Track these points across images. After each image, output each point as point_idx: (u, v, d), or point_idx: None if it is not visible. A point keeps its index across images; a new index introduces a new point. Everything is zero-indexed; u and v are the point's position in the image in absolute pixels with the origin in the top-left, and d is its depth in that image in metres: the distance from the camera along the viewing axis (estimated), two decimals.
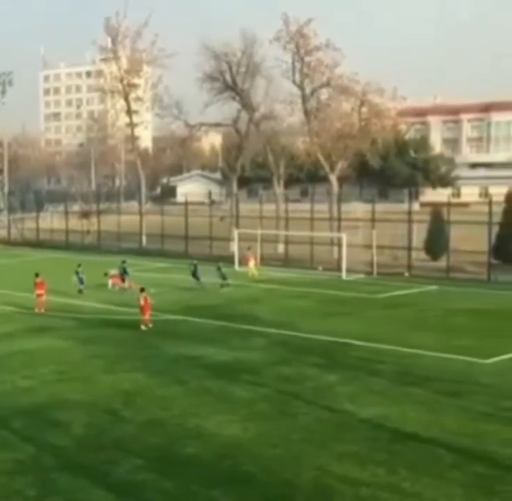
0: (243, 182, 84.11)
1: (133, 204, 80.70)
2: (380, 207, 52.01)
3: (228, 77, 59.91)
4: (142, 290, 30.62)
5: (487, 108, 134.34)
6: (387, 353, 25.17)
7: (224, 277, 40.22)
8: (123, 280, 40.40)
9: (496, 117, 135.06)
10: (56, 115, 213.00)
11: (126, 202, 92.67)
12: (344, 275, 44.33)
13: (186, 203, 59.17)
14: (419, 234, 48.25)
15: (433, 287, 40.24)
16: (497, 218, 44.87)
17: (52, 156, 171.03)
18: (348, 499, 13.88)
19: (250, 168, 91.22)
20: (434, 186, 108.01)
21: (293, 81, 56.44)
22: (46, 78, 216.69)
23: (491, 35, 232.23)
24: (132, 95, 67.30)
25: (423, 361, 24.12)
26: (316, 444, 16.62)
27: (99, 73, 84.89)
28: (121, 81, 65.72)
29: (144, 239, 62.43)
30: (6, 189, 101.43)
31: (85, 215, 71.71)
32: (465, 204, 77.53)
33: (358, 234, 48.28)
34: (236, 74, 59.70)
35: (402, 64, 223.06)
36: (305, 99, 56.36)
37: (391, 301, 36.69)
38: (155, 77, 66.99)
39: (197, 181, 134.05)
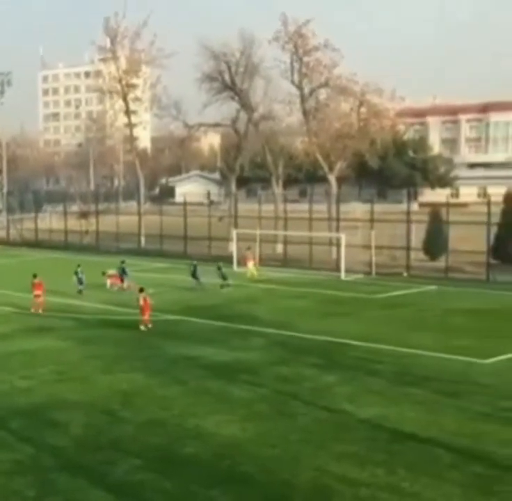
0: (242, 182, 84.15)
1: (132, 205, 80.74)
2: (379, 207, 51.99)
3: (227, 77, 59.92)
4: (141, 290, 30.64)
5: (485, 108, 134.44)
6: (386, 353, 25.18)
7: (224, 277, 40.20)
8: (122, 280, 40.40)
9: (494, 117, 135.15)
10: (55, 116, 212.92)
11: (124, 202, 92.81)
12: (342, 275, 44.34)
13: (185, 203, 59.17)
14: (418, 234, 48.27)
15: (432, 287, 40.25)
16: (496, 219, 44.91)
17: (51, 157, 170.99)
18: (347, 500, 13.89)
19: (248, 168, 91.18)
20: (433, 186, 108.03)
21: (292, 81, 56.47)
22: (45, 79, 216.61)
23: (491, 35, 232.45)
24: (131, 95, 67.22)
25: (422, 361, 24.13)
26: (314, 444, 16.63)
27: (98, 73, 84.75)
28: (120, 81, 65.68)
29: (143, 239, 62.42)
30: (5, 189, 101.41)
31: (83, 215, 71.68)
32: (464, 205, 77.58)
33: (357, 234, 48.29)
34: (235, 74, 59.70)
35: (402, 64, 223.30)
36: (303, 99, 56.35)
37: (390, 301, 36.70)
38: (154, 77, 66.95)
39: (196, 182, 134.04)
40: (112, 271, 41.53)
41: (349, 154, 57.92)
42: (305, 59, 55.89)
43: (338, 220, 50.60)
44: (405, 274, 44.93)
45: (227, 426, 17.92)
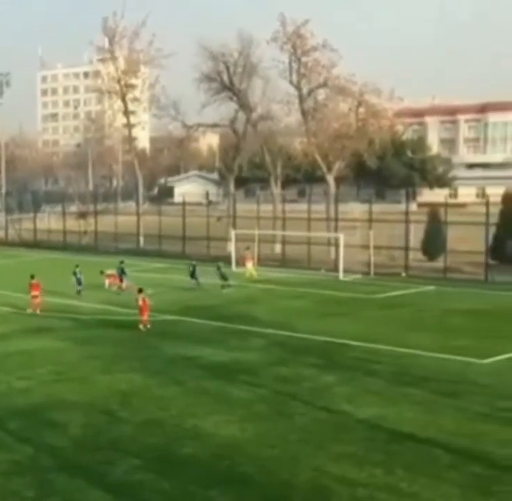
0: (241, 183, 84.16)
1: (131, 205, 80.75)
2: (378, 207, 52.02)
3: (225, 78, 59.94)
4: (140, 291, 30.64)
5: (484, 108, 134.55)
6: (385, 354, 25.19)
7: (224, 277, 40.11)
8: (121, 281, 40.38)
9: (493, 117, 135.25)
10: (54, 116, 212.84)
11: (123, 202, 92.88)
12: (341, 275, 44.36)
13: (184, 203, 59.18)
14: (416, 234, 48.29)
15: (430, 288, 40.26)
16: (494, 219, 44.95)
17: (49, 157, 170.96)
18: (346, 500, 13.89)
19: (247, 169, 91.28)
20: (431, 186, 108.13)
21: (290, 82, 56.51)
22: (44, 79, 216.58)
23: (491, 35, 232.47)
24: (129, 96, 67.22)
25: (420, 361, 24.14)
26: (313, 444, 16.63)
27: (97, 74, 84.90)
28: (118, 81, 65.69)
29: (141, 239, 62.41)
30: (3, 190, 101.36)
31: (82, 215, 71.69)
32: (462, 205, 77.60)
33: (355, 234, 48.32)
34: (234, 74, 59.73)
35: (402, 64, 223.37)
36: (302, 99, 56.38)
37: (388, 301, 36.71)
38: (152, 78, 66.94)
39: (195, 182, 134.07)
40: (111, 271, 41.52)
41: (347, 154, 57.96)
42: (304, 59, 55.94)
43: (336, 220, 50.62)
44: (403, 274, 44.95)
45: (225, 426, 17.92)
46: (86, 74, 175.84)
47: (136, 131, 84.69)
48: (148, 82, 67.40)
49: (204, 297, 37.93)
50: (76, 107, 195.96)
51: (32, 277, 35.04)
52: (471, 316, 31.80)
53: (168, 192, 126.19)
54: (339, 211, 51.54)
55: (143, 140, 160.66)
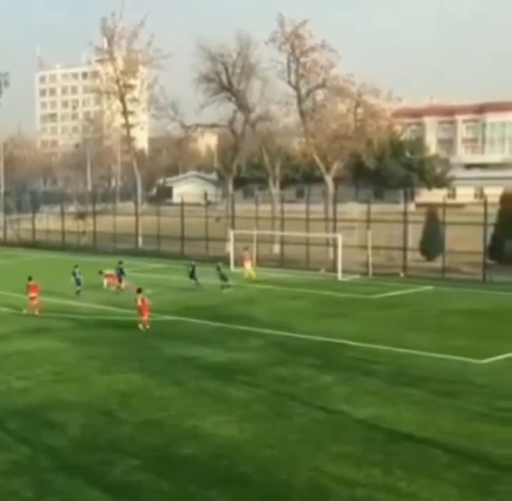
0: (239, 183, 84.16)
1: (129, 205, 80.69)
2: (376, 207, 52.03)
3: (224, 78, 59.97)
4: (139, 291, 30.66)
5: (482, 109, 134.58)
6: (383, 354, 25.22)
7: (224, 277, 40.06)
8: (120, 281, 40.38)
9: (491, 118, 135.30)
10: (52, 116, 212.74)
11: (122, 203, 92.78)
12: (339, 275, 44.39)
13: (182, 204, 59.19)
14: (415, 234, 48.32)
15: (429, 288, 40.30)
16: (492, 219, 45.00)
17: (48, 157, 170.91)
18: (344, 500, 13.92)
19: (245, 169, 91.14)
20: (429, 186, 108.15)
21: (289, 82, 56.54)
22: (42, 79, 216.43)
23: (491, 35, 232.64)
24: (128, 96, 67.27)
25: (418, 361, 24.17)
26: (311, 445, 16.66)
27: (95, 74, 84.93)
28: (117, 81, 65.73)
29: (140, 239, 62.41)
30: (2, 190, 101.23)
31: (81, 216, 71.68)
32: (460, 205, 77.56)
33: (354, 234, 48.35)
34: (232, 75, 59.75)
35: (402, 64, 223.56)
36: (300, 100, 56.41)
37: (386, 302, 36.74)
38: (151, 78, 67.04)
39: (193, 182, 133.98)
40: (109, 271, 41.53)
41: (346, 154, 58.00)
42: (302, 60, 55.98)
43: (335, 220, 50.67)
44: (401, 274, 44.99)
45: (224, 426, 17.94)
46: (85, 75, 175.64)
47: (134, 132, 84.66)
48: (147, 82, 67.53)
49: (203, 297, 37.95)
50: (74, 107, 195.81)
51: (29, 278, 34.99)
52: (469, 317, 31.83)
53: (166, 192, 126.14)
54: (337, 211, 51.59)
55: (142, 140, 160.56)
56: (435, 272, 44.42)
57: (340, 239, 45.71)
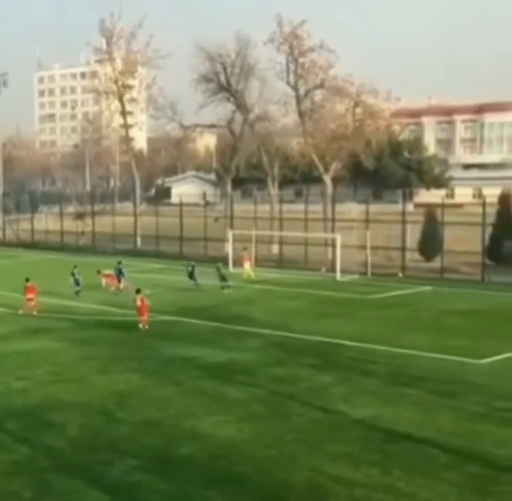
0: (238, 183, 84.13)
1: (128, 206, 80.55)
2: (374, 207, 52.11)
3: (222, 78, 60.00)
4: (138, 291, 30.69)
5: (480, 109, 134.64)
6: (381, 354, 25.24)
7: (224, 278, 39.98)
8: (119, 281, 40.37)
9: (489, 118, 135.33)
10: (51, 117, 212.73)
11: (120, 203, 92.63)
12: (338, 275, 44.40)
13: (181, 204, 59.21)
14: (413, 234, 48.35)
15: (427, 288, 40.32)
16: (491, 219, 45.04)
17: (47, 158, 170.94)
18: (342, 500, 13.94)
19: (244, 169, 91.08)
20: (428, 187, 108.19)
21: (288, 82, 56.54)
22: (41, 80, 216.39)
23: (490, 35, 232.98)
24: (126, 96, 67.28)
25: (417, 361, 24.19)
26: (310, 444, 16.68)
27: (94, 74, 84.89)
28: (115, 82, 65.73)
29: (139, 240, 62.42)
30: (1, 190, 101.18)
31: (79, 216, 71.67)
32: (459, 205, 77.57)
33: (352, 234, 48.37)
34: (231, 75, 59.78)
35: (400, 64, 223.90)
36: (299, 100, 56.42)
37: (385, 302, 36.77)
38: (149, 78, 67.06)
39: (192, 182, 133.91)
40: (108, 271, 41.51)
41: (344, 154, 58.02)
42: (301, 60, 55.99)
43: (333, 220, 50.69)
44: (400, 275, 45.01)
45: (223, 426, 17.96)
46: (83, 75, 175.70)
47: (133, 132, 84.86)
48: (145, 83, 67.51)
49: (202, 298, 37.95)
50: (73, 108, 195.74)
51: (27, 280, 34.93)
52: (468, 317, 31.86)
53: (165, 193, 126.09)
54: (336, 211, 51.63)
55: (140, 140, 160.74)
56: (433, 272, 44.44)
57: (339, 239, 45.72)
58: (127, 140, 75.22)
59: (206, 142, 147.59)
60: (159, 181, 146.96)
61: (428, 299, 37.44)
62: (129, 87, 67.76)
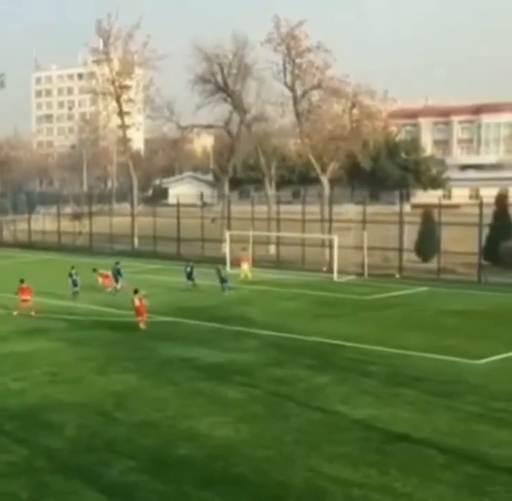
0: (235, 184, 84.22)
1: (125, 206, 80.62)
2: (372, 208, 52.13)
3: (220, 79, 60.01)
4: (136, 292, 30.70)
5: (477, 110, 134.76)
6: (378, 354, 25.28)
7: (224, 280, 39.80)
8: (116, 281, 40.35)
9: (486, 119, 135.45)
10: (48, 117, 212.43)
11: (118, 203, 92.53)
12: (335, 276, 44.43)
13: (178, 205, 59.19)
14: (410, 235, 48.41)
15: (424, 288, 40.39)
16: (488, 220, 45.11)
17: (44, 158, 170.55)
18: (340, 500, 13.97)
19: (241, 170, 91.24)
20: (425, 187, 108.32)
21: (285, 83, 56.52)
22: (38, 80, 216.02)
23: (487, 36, 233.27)
24: (124, 97, 67.19)
25: (414, 362, 24.24)
26: (308, 445, 16.70)
27: (91, 75, 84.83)
28: (113, 82, 65.69)
29: (136, 240, 62.42)
30: None
31: (77, 217, 71.68)
32: (456, 206, 77.63)
33: (349, 235, 48.35)
34: (228, 75, 59.79)
35: (397, 65, 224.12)
36: (296, 100, 56.41)
37: (382, 302, 36.81)
38: (147, 79, 66.96)
39: (189, 183, 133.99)
40: (105, 271, 41.47)
41: (342, 155, 57.95)
42: (298, 61, 55.95)
43: (331, 221, 50.71)
44: (397, 275, 45.06)
45: (220, 427, 17.97)
46: (81, 76, 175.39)
47: (130, 133, 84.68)
48: (142, 83, 67.42)
49: (199, 298, 37.96)
50: (70, 108, 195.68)
51: (22, 281, 34.82)
52: (464, 317, 31.93)
53: (162, 193, 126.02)
54: (333, 212, 51.66)
55: (138, 141, 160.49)
56: (430, 273, 44.50)
57: (336, 239, 45.75)
58: (125, 140, 75.17)
59: (204, 142, 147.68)
60: (157, 182, 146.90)
61: (425, 300, 37.49)
62: (126, 87, 67.66)
